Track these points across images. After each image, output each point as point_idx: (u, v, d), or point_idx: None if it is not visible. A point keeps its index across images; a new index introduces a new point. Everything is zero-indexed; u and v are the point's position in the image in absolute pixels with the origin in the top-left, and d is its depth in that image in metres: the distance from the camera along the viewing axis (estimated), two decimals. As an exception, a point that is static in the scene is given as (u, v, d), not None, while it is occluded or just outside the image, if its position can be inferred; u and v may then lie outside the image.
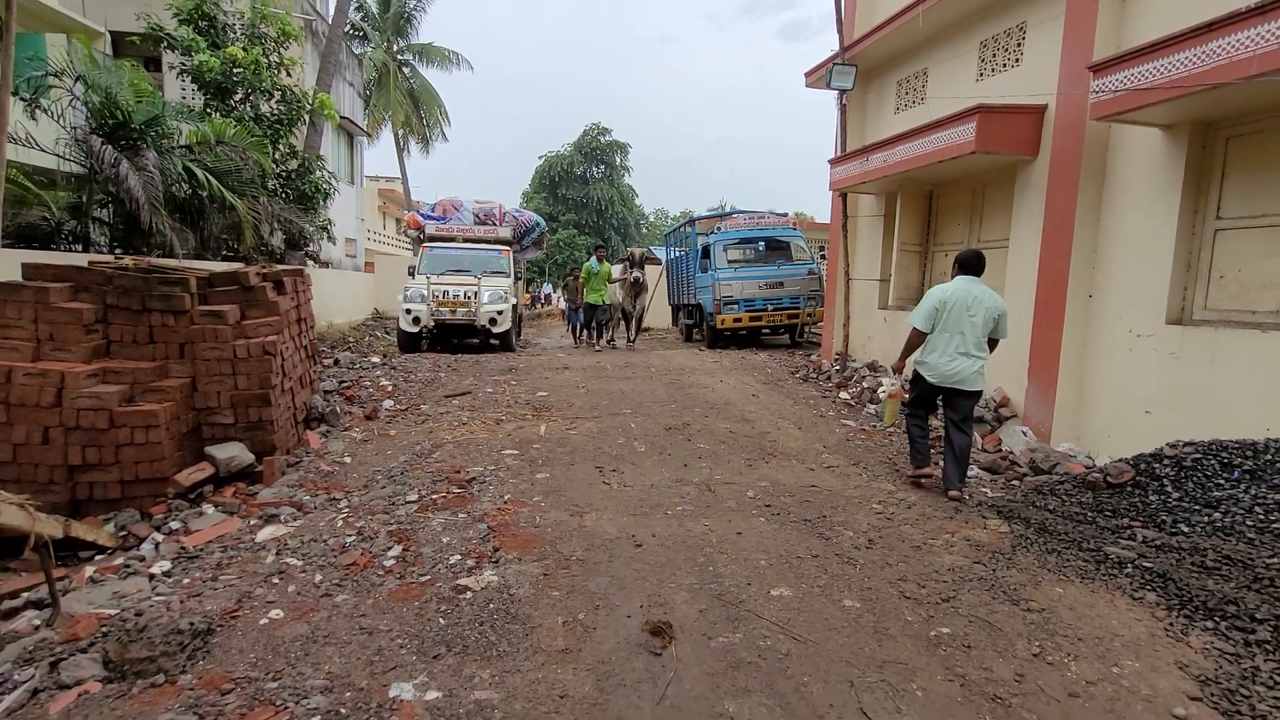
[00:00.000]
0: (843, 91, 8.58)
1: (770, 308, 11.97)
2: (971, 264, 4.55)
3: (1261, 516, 3.22)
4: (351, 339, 11.90)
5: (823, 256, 13.89)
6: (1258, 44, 3.74)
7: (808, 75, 9.58)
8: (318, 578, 3.16)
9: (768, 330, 12.75)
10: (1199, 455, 3.80)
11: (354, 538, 3.60)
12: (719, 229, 13.22)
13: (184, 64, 10.30)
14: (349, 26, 22.43)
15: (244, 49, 10.47)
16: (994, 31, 6.74)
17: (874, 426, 6.49)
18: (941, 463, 4.64)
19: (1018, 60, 6.46)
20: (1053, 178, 5.73)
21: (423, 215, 12.66)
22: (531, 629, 2.71)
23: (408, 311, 10.38)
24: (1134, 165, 5.19)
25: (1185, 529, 3.38)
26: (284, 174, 11.65)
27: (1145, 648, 2.64)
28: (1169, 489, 3.71)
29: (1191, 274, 4.91)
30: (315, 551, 3.44)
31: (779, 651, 2.58)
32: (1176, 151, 4.86)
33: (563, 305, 29.42)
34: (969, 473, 5.03)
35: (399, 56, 28.96)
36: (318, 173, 12.11)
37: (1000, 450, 5.73)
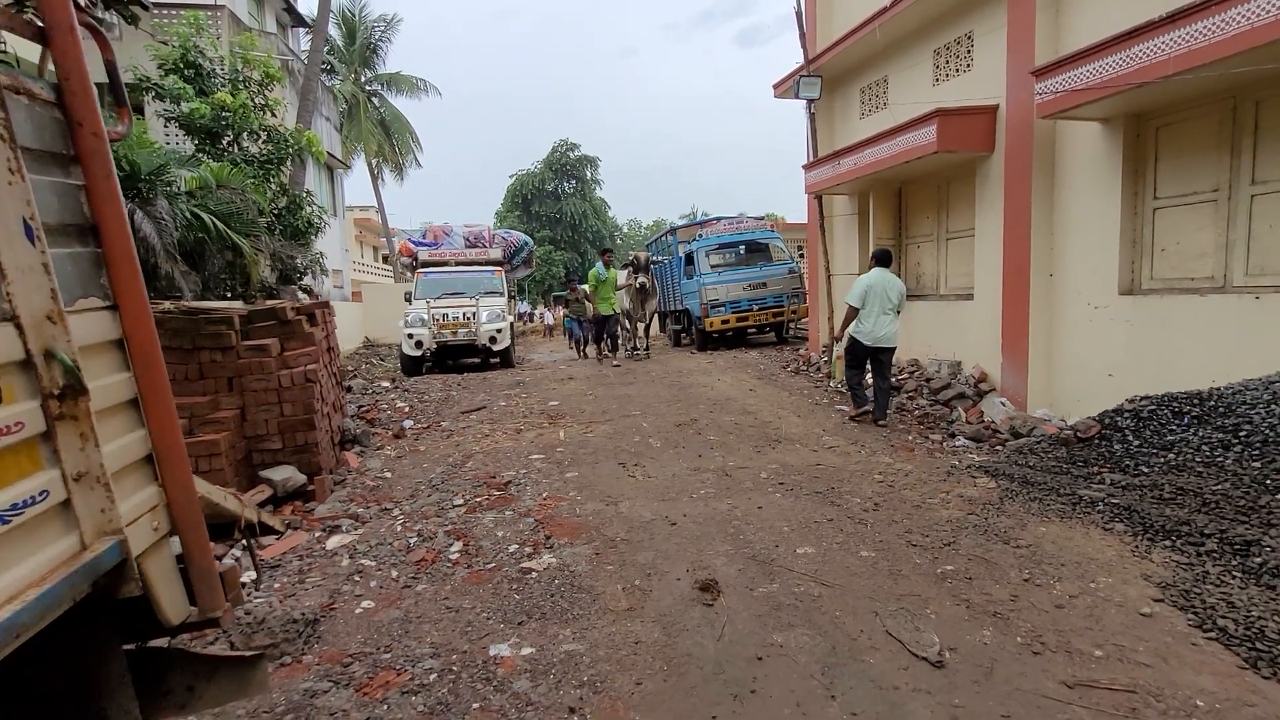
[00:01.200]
0: (811, 101, 9.16)
1: (755, 308, 12.50)
2: (884, 259, 6.45)
3: (1207, 453, 3.75)
4: (350, 367, 12.18)
5: (801, 255, 14.49)
6: (1172, 47, 4.32)
7: (776, 87, 10.16)
8: (394, 573, 3.54)
9: (754, 330, 13.27)
10: (1154, 407, 4.34)
11: (415, 539, 3.97)
12: (700, 236, 13.76)
13: (170, 111, 10.59)
14: (318, 61, 22.71)
15: (231, 94, 10.79)
16: (945, 40, 7.35)
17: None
18: (871, 405, 6.29)
19: (969, 65, 7.07)
20: (1008, 171, 6.32)
21: (414, 242, 13.02)
22: (597, 596, 3.12)
23: (410, 336, 10.72)
24: (1079, 156, 5.79)
25: (1145, 470, 3.90)
26: (276, 211, 11.95)
27: (1116, 566, 3.13)
28: (1130, 438, 4.23)
29: (1137, 249, 5.49)
30: (384, 553, 3.81)
31: (811, 595, 3.02)
32: (1114, 142, 5.45)
33: (549, 321, 29.76)
34: (958, 442, 5.65)
35: (367, 87, 29.29)
36: (308, 208, 12.41)
37: (983, 421, 6.25)
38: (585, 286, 12.50)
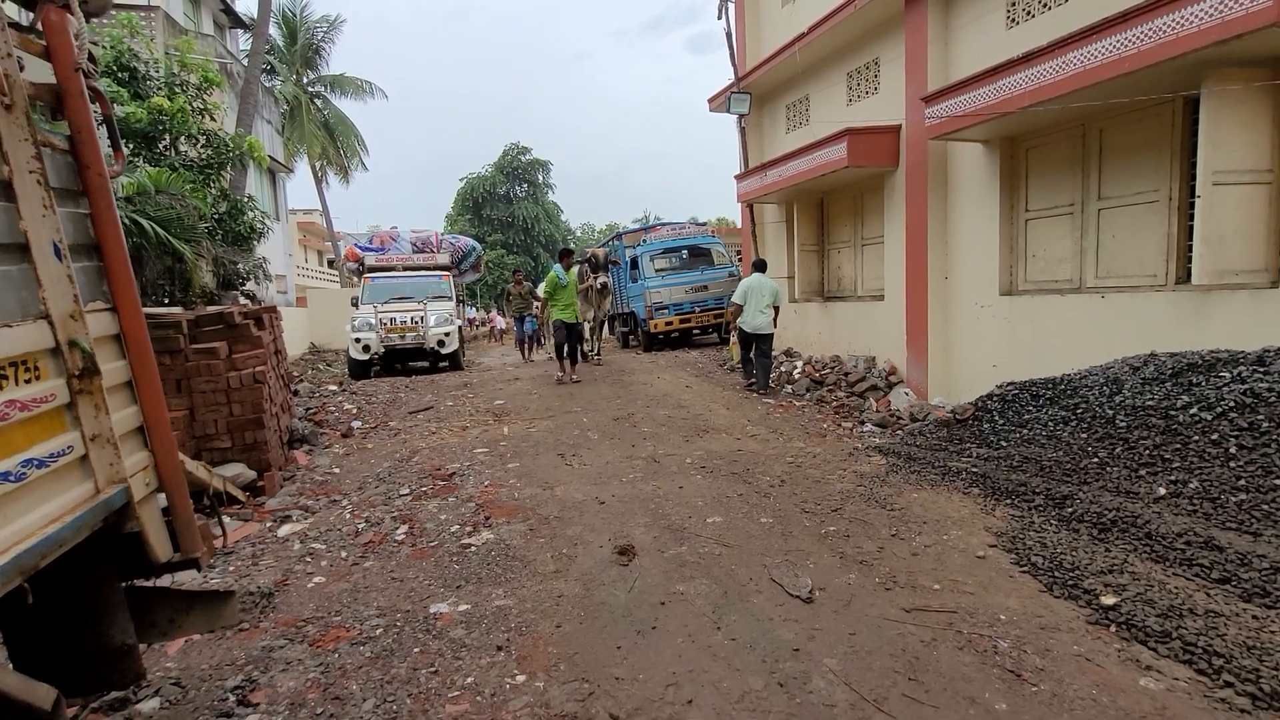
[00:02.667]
0: (741, 115, 9.80)
1: (698, 310, 13.09)
2: (760, 266, 8.35)
3: (1051, 428, 4.44)
4: (296, 372, 12.16)
5: (740, 259, 15.17)
6: (1027, 83, 5.05)
7: (711, 101, 10.77)
8: (343, 554, 3.86)
9: (698, 330, 13.87)
10: (1017, 391, 5.03)
11: (364, 524, 4.30)
12: (645, 241, 14.29)
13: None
14: (258, 62, 22.25)
15: (169, 98, 10.71)
16: (856, 65, 8.06)
17: (789, 401, 7.62)
18: (755, 378, 8.19)
19: (876, 88, 7.79)
20: (909, 185, 7.04)
21: (361, 247, 13.09)
22: (528, 562, 3.54)
23: (357, 340, 10.84)
24: (966, 172, 6.53)
25: (1004, 444, 4.57)
26: (217, 216, 11.86)
27: (966, 522, 3.74)
28: (996, 418, 4.92)
29: (1014, 255, 6.26)
30: (333, 538, 4.12)
31: (713, 554, 3.52)
32: (993, 161, 6.20)
33: (500, 326, 29.65)
34: (866, 428, 6.27)
35: (310, 89, 28.77)
36: (250, 213, 12.35)
37: (890, 410, 6.93)
38: (542, 289, 12.44)
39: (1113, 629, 2.63)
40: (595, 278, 10.58)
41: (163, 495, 1.83)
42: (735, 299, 8.09)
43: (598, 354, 11.38)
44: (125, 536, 1.69)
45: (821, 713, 2.22)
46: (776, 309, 7.94)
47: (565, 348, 9.27)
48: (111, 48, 10.54)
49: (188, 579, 3.47)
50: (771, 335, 8.03)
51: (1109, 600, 2.76)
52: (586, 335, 11.47)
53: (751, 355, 8.18)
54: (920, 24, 6.65)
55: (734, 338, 8.42)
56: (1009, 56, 5.23)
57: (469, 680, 2.50)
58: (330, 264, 35.37)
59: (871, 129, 7.29)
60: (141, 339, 1.73)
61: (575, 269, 9.50)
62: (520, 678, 2.51)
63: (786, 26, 9.09)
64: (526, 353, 14.16)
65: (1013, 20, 5.90)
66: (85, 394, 1.52)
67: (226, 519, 4.58)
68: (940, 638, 2.65)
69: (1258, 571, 2.71)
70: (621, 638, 2.76)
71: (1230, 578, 2.75)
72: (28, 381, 1.38)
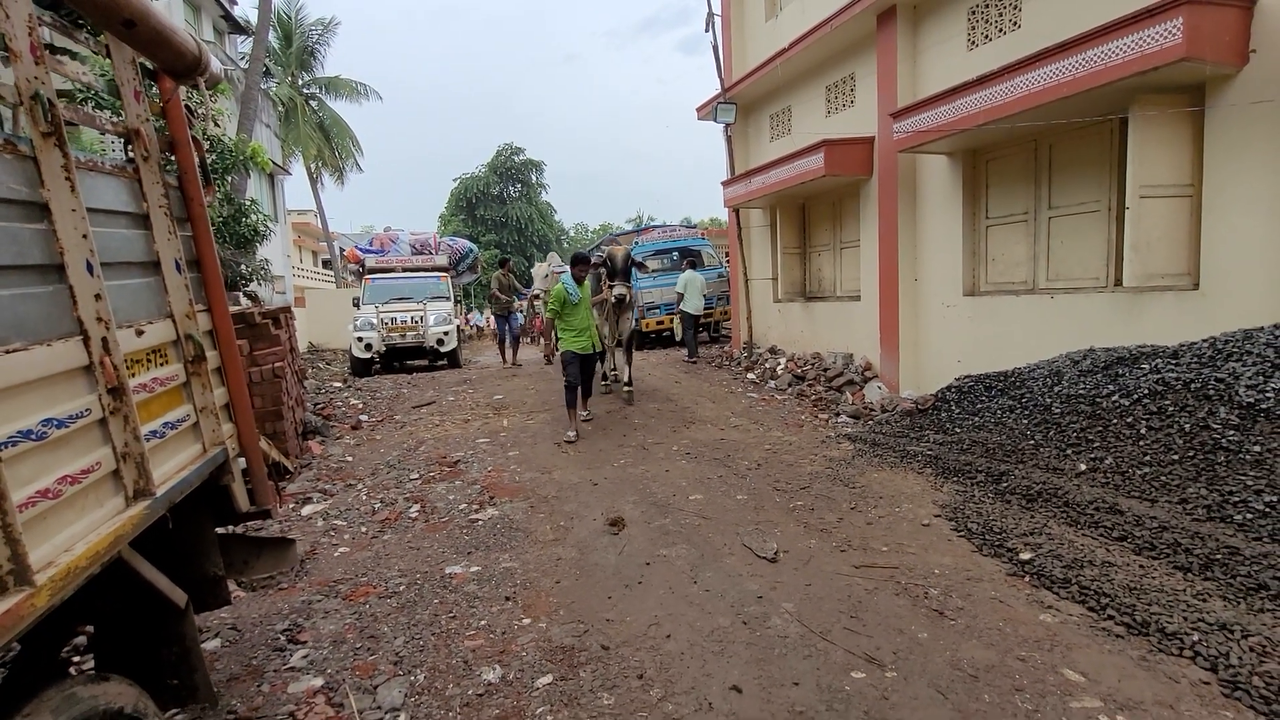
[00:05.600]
0: (727, 124, 10.27)
1: None
2: (693, 264, 11.42)
3: (999, 415, 4.94)
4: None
5: (729, 260, 15.67)
6: (982, 103, 5.54)
7: (699, 110, 11.24)
8: (363, 529, 4.31)
9: (687, 330, 14.34)
10: (973, 384, 5.53)
11: (379, 504, 4.75)
12: (638, 243, 14.75)
13: (115, 122, 10.79)
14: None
15: (176, 106, 11.08)
16: (834, 79, 8.55)
17: (771, 395, 8.10)
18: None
19: (852, 102, 8.28)
20: (881, 193, 7.53)
21: (361, 249, 13.49)
22: (530, 533, 4.00)
23: (359, 339, 11.25)
24: (932, 181, 7.03)
25: (958, 430, 5.07)
26: (221, 219, 12.24)
27: (917, 497, 4.23)
28: (953, 407, 5.41)
29: (976, 259, 6.76)
30: (353, 516, 4.57)
31: (693, 525, 3.99)
32: (956, 172, 6.70)
33: (479, 322, 29.88)
34: (840, 419, 6.75)
35: (305, 90, 29.07)
36: (254, 216, 12.73)
37: (865, 403, 7.42)
38: (534, 293, 12.54)
39: (1026, 579, 3.12)
40: (612, 288, 7.39)
41: (241, 460, 2.29)
42: (679, 289, 10.81)
43: (629, 381, 8.04)
44: (217, 490, 2.15)
45: (776, 642, 2.70)
46: (708, 296, 11.06)
47: (577, 389, 6.54)
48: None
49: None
50: (700, 317, 11.14)
51: (1026, 556, 3.25)
52: (620, 360, 8.24)
53: (688, 333, 10.91)
54: (890, 44, 7.14)
55: (679, 319, 11.22)
56: (968, 77, 5.73)
57: (482, 623, 2.96)
58: (325, 264, 35.64)
59: (847, 140, 7.78)
60: (229, 334, 2.19)
61: (589, 281, 6.89)
62: (526, 620, 2.97)
63: (769, 41, 9.57)
64: (510, 356, 12.36)
65: (972, 43, 6.40)
66: (196, 376, 1.98)
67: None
68: (881, 587, 3.13)
69: (1148, 530, 3.21)
70: (612, 590, 3.23)
71: (1126, 536, 3.25)
72: (161, 365, 1.84)
